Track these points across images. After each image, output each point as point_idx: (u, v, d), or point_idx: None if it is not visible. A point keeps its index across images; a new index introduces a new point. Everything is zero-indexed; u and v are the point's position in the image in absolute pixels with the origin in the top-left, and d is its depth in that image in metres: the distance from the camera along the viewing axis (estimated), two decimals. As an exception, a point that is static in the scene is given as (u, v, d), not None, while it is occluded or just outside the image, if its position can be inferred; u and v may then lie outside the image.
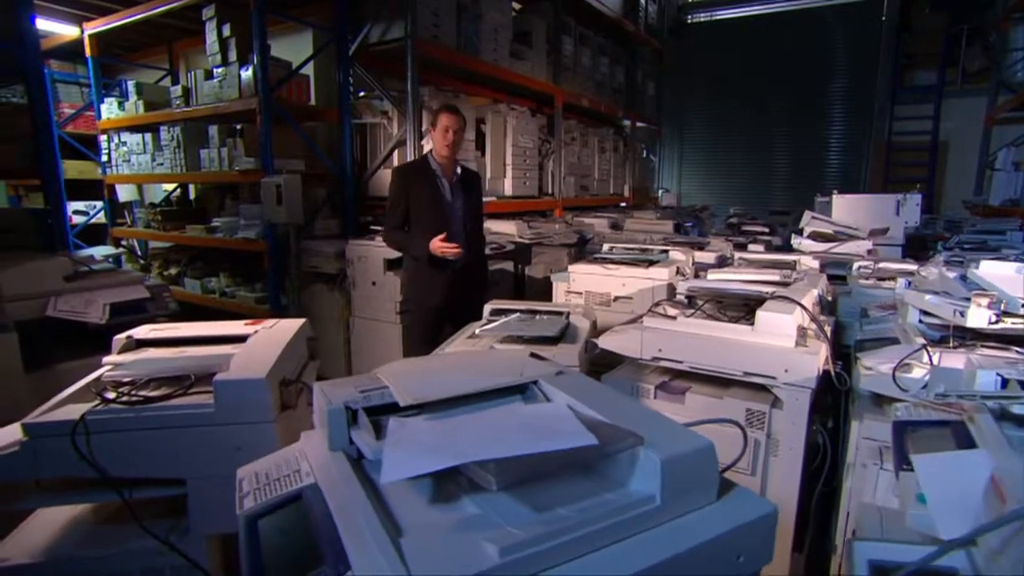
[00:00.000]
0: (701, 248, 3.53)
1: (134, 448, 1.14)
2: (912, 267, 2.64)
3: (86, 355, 2.47)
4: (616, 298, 2.50)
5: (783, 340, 1.67)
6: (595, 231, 5.67)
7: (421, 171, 2.95)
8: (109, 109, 5.16)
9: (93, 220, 5.79)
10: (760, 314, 1.70)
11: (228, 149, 4.09)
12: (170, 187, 5.81)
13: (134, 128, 5.04)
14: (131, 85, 4.95)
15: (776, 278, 2.30)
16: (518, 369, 1.11)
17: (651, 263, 2.51)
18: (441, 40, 4.67)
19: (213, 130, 4.24)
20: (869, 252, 3.45)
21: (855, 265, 2.98)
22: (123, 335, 1.50)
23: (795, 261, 2.95)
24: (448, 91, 5.09)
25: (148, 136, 4.78)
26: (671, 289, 2.43)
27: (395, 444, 0.81)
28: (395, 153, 4.75)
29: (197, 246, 4.87)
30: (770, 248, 4.03)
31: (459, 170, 3.01)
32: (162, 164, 4.63)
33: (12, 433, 1.20)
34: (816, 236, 3.50)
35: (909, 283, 2.42)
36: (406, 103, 4.46)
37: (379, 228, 3.91)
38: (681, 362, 1.81)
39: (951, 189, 7.62)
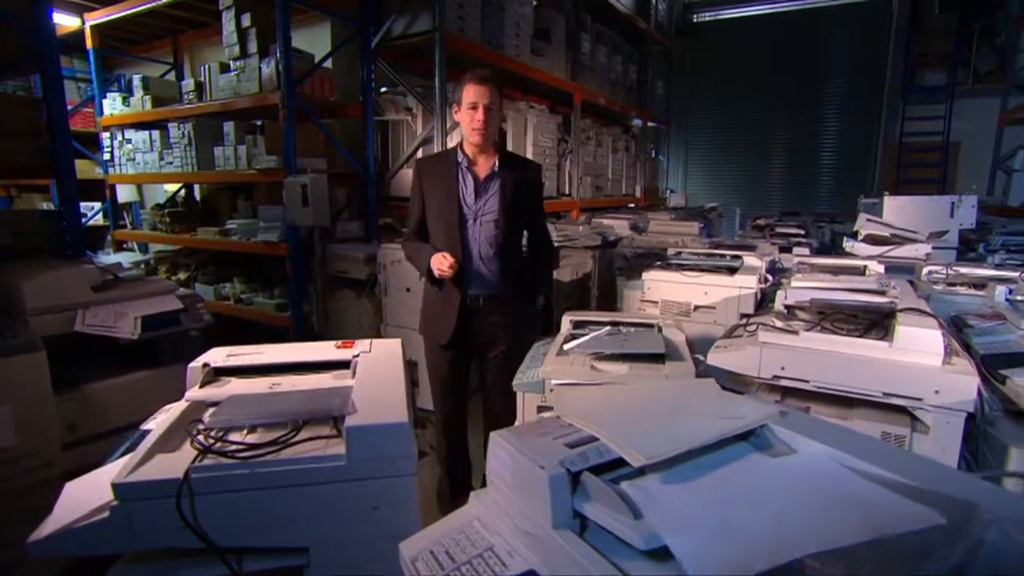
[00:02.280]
0: (752, 251, 3.38)
1: (247, 511, 0.93)
2: (996, 273, 2.50)
3: (116, 373, 2.26)
4: (696, 307, 2.34)
5: (929, 358, 1.51)
6: (615, 233, 5.51)
7: (442, 163, 2.24)
8: (112, 105, 4.88)
9: (91, 222, 5.49)
10: (902, 329, 1.54)
11: (247, 147, 3.85)
12: (173, 188, 5.53)
13: (140, 125, 4.76)
14: (137, 79, 4.67)
15: (873, 286, 2.14)
16: (725, 406, 0.93)
17: (733, 270, 2.34)
18: (466, 34, 4.48)
19: (229, 127, 4.00)
20: (927, 256, 3.32)
21: (924, 270, 2.85)
22: (198, 363, 1.29)
23: (864, 266, 2.81)
24: (471, 88, 4.88)
25: (156, 133, 4.50)
26: (757, 298, 2.27)
27: (676, 528, 0.63)
28: (419, 152, 4.55)
29: (208, 249, 4.61)
30: (813, 252, 3.90)
31: (496, 165, 2.17)
32: (171, 163, 4.37)
33: (93, 490, 0.99)
34: (871, 239, 3.37)
35: (1010, 291, 2.29)
36: (433, 99, 4.26)
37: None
38: (807, 381, 1.64)
39: (964, 190, 7.58)
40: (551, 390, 1.74)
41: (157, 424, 1.18)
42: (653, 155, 9.29)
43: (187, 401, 1.16)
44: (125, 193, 5.65)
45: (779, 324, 1.86)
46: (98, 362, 2.24)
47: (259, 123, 3.91)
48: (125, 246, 5.20)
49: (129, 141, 4.77)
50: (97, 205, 5.51)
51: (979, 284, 2.61)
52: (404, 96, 4.58)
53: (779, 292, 2.08)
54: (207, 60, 4.77)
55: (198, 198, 5.37)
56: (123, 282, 2.37)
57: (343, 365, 1.30)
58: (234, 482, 0.92)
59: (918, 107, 7.95)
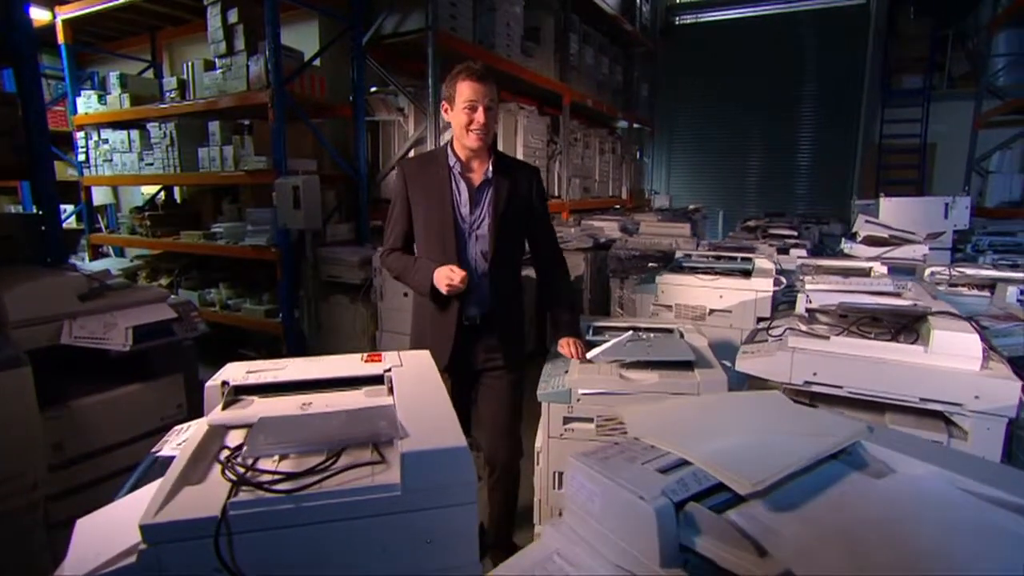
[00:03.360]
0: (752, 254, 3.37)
1: (290, 549, 0.84)
2: (1005, 274, 2.52)
3: (106, 387, 2.12)
4: (711, 311, 2.30)
5: (967, 363, 1.48)
6: (606, 235, 5.48)
7: (430, 166, 1.94)
8: (87, 103, 4.66)
9: (63, 225, 5.24)
10: (938, 333, 1.52)
11: (234, 147, 3.71)
12: (151, 190, 5.32)
13: (117, 124, 4.55)
14: (114, 77, 4.47)
15: (889, 288, 2.13)
16: (807, 422, 0.88)
17: (747, 272, 2.31)
18: (458, 33, 4.40)
19: (214, 126, 3.84)
20: (924, 256, 3.35)
21: (927, 271, 2.86)
22: (215, 381, 1.18)
23: (869, 268, 2.81)
24: (462, 88, 4.80)
25: (135, 133, 4.31)
26: (773, 301, 2.24)
27: (813, 568, 0.57)
28: (411, 154, 4.45)
29: (190, 254, 4.43)
30: (810, 253, 3.91)
31: (489, 171, 1.90)
32: (152, 164, 4.19)
33: (111, 530, 0.89)
34: (870, 240, 3.39)
35: (1022, 292, 2.31)
36: (425, 99, 4.17)
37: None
38: (840, 387, 1.61)
39: (941, 191, 7.77)
40: (578, 400, 1.68)
41: (179, 451, 1.08)
42: (638, 157, 9.32)
43: (209, 425, 1.06)
44: (100, 195, 5.42)
45: (804, 328, 1.83)
46: (86, 376, 2.10)
47: (247, 123, 3.76)
48: (101, 250, 4.97)
49: (106, 141, 4.57)
50: (70, 208, 5.28)
51: (983, 285, 2.63)
52: (395, 96, 4.48)
53: (799, 295, 2.05)
54: (188, 58, 4.60)
55: (179, 200, 5.17)
56: (112, 290, 2.23)
57: (375, 380, 1.21)
58: (278, 518, 0.83)
59: (896, 110, 8.12)
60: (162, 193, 5.23)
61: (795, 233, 4.60)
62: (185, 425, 1.32)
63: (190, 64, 3.96)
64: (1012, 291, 2.24)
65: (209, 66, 3.83)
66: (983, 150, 6.97)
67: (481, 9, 4.73)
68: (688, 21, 9.98)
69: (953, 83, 7.84)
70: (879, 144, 8.21)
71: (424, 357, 1.31)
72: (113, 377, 2.14)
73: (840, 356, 1.61)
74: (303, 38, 4.29)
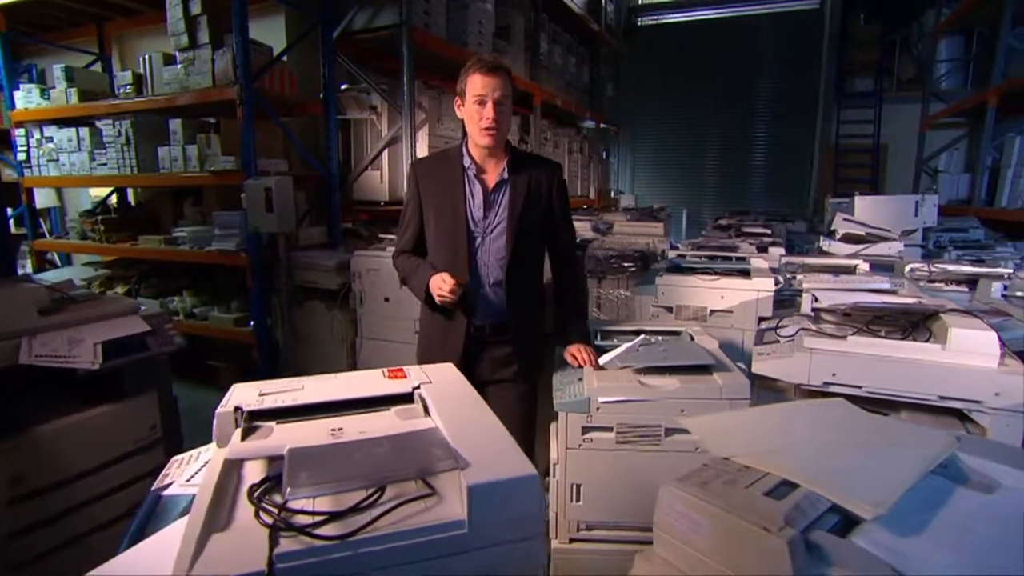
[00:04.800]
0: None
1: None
2: (986, 270, 2.60)
3: (73, 410, 1.92)
4: (712, 312, 2.28)
5: (985, 360, 1.50)
6: (580, 235, 5.45)
7: (443, 166, 1.86)
8: (27, 98, 4.30)
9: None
10: (955, 331, 1.53)
11: (199, 147, 3.48)
12: (101, 192, 4.97)
13: (64, 121, 4.22)
14: (58, 70, 4.14)
15: (885, 286, 2.16)
16: (893, 432, 0.84)
17: (747, 272, 2.31)
18: (432, 29, 4.29)
19: (175, 124, 3.60)
20: (899, 253, 3.46)
21: (907, 268, 2.94)
22: (227, 407, 1.05)
23: (855, 266, 2.87)
24: (435, 87, 4.70)
25: (84, 131, 4.01)
26: (773, 301, 2.24)
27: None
28: (385, 153, 4.31)
29: (148, 260, 4.16)
30: (789, 252, 3.98)
31: (505, 171, 1.81)
32: (105, 164, 3.90)
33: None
34: (848, 238, 3.47)
35: (1006, 287, 2.38)
36: (400, 97, 4.04)
37: (388, 236, 3.49)
38: (860, 387, 1.60)
39: (893, 190, 8.12)
40: (597, 408, 1.61)
41: (187, 488, 0.96)
42: (604, 157, 9.37)
43: (229, 458, 0.94)
44: (42, 198, 5.03)
45: (814, 328, 1.82)
46: (49, 399, 1.90)
47: (213, 121, 3.55)
48: (47, 258, 4.61)
49: (50, 139, 4.23)
50: (7, 211, 4.87)
51: (961, 280, 2.72)
52: (367, 94, 4.32)
53: (804, 295, 2.05)
54: (141, 51, 4.32)
55: (133, 203, 4.85)
56: (76, 302, 2.03)
57: (404, 399, 1.11)
58: (333, 568, 0.73)
59: (851, 111, 8.44)
60: (114, 195, 4.89)
61: (769, 231, 4.68)
62: (185, 456, 1.19)
63: (147, 58, 3.71)
64: (996, 286, 2.31)
65: (169, 60, 3.59)
66: (931, 151, 7.32)
67: (454, 6, 4.63)
68: (650, 22, 10.11)
69: (902, 86, 8.21)
70: (836, 144, 8.51)
71: (451, 371, 1.22)
72: (80, 398, 1.95)
73: (859, 356, 1.61)
74: (268, 32, 4.09)
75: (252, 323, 3.58)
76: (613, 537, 1.65)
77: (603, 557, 1.64)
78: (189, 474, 1.03)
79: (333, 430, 0.98)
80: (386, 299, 3.32)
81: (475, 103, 1.72)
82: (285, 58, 3.88)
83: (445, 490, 0.85)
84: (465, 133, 1.87)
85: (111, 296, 2.37)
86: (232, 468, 0.96)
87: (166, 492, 0.98)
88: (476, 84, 1.72)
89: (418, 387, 1.12)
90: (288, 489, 0.76)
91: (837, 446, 0.79)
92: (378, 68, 4.48)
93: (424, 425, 0.98)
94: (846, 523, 0.68)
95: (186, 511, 0.96)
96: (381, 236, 3.51)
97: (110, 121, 3.86)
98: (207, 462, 1.06)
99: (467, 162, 1.82)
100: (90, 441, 1.93)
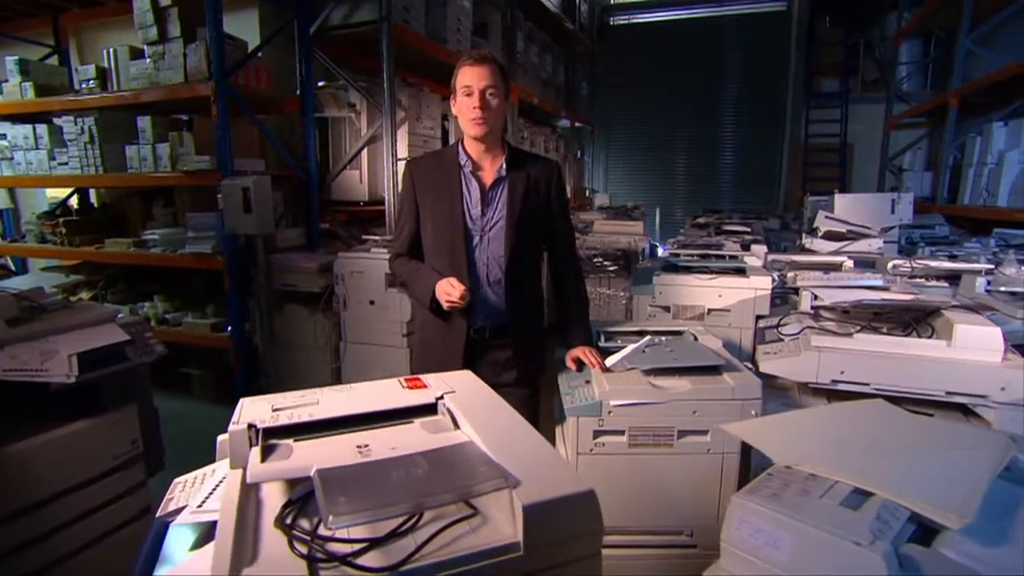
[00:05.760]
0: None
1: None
2: (968, 266, 2.67)
3: (46, 427, 1.79)
4: (710, 311, 2.28)
5: (990, 355, 1.53)
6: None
7: (440, 164, 1.83)
8: (-22, 93, 4.05)
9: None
10: (960, 327, 1.55)
11: (171, 145, 3.32)
12: (61, 193, 4.71)
13: (18, 117, 3.98)
14: (11, 63, 3.90)
15: (879, 283, 2.19)
16: (948, 435, 0.82)
17: (743, 270, 2.31)
18: (411, 26, 4.20)
19: (144, 122, 3.43)
20: (879, 250, 3.53)
21: (889, 264, 3.00)
22: (239, 425, 0.97)
23: (840, 263, 2.91)
24: (413, 85, 4.61)
25: (42, 128, 3.79)
26: (771, 299, 2.26)
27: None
28: (364, 152, 4.20)
29: (115, 264, 3.96)
30: (772, 249, 4.03)
31: (503, 168, 1.78)
32: (66, 163, 3.69)
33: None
34: (830, 235, 3.53)
35: (989, 282, 2.44)
36: (380, 94, 3.94)
37: (373, 237, 3.40)
38: (867, 384, 1.62)
39: (859, 188, 8.37)
40: (609, 412, 1.58)
41: (203, 515, 0.88)
42: (579, 155, 9.40)
43: (250, 482, 0.86)
44: (-6, 199, 4.76)
45: (816, 326, 1.83)
46: (21, 416, 1.77)
47: (185, 119, 3.39)
48: (1, 262, 4.35)
49: (3, 136, 3.99)
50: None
51: (941, 276, 2.78)
52: (346, 91, 4.20)
53: (804, 293, 2.07)
54: (102, 44, 4.11)
55: (96, 205, 4.61)
56: (48, 311, 1.90)
57: (428, 410, 1.05)
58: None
59: (819, 111, 8.67)
60: (75, 196, 4.65)
61: (749, 229, 4.74)
62: (189, 477, 1.10)
63: (111, 51, 3.52)
64: (980, 282, 2.36)
65: (136, 54, 3.42)
66: (895, 150, 7.56)
67: (433, 2, 4.55)
68: (622, 22, 10.18)
69: (867, 87, 8.46)
70: (805, 143, 8.72)
71: (471, 379, 1.17)
72: (54, 413, 1.82)
73: (867, 354, 1.62)
74: (242, 27, 3.93)
75: (229, 328, 3.44)
76: (628, 542, 1.63)
77: (617, 563, 1.61)
78: (200, 498, 0.95)
79: (359, 447, 0.92)
80: (371, 302, 3.23)
81: (464, 94, 1.71)
82: (260, 54, 3.74)
83: (488, 509, 0.81)
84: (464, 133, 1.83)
85: (86, 303, 2.23)
86: (250, 492, 0.89)
87: (177, 522, 0.90)
88: (464, 76, 1.71)
89: (441, 397, 1.07)
90: (330, 517, 0.69)
91: (896, 449, 0.77)
92: (356, 65, 4.37)
93: (457, 439, 0.92)
94: (923, 532, 0.65)
95: (201, 541, 0.89)
96: (365, 237, 3.42)
97: (71, 118, 3.65)
98: (218, 484, 0.99)
99: (463, 159, 1.79)
100: (67, 459, 1.80)
